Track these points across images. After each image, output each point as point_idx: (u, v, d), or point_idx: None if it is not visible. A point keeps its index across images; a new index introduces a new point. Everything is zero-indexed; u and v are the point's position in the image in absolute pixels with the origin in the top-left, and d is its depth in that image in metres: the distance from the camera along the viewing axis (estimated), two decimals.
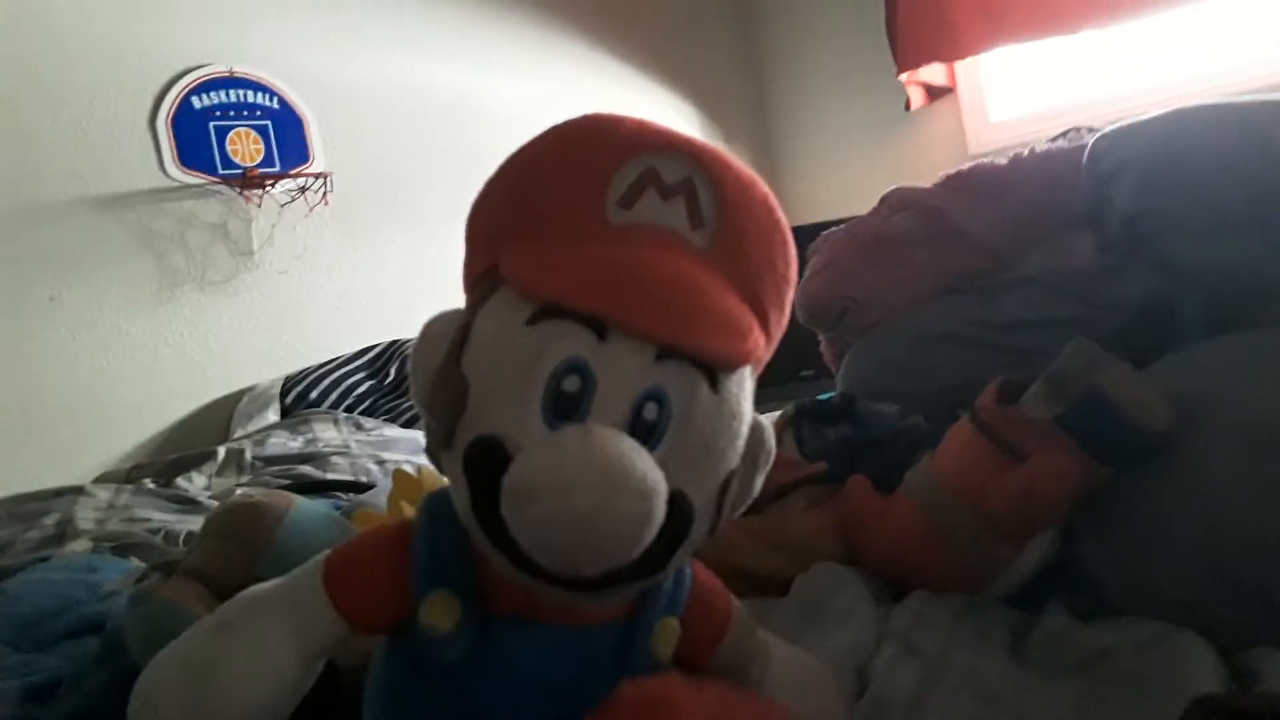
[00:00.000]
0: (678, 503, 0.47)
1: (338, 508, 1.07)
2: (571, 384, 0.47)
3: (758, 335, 0.52)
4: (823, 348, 1.37)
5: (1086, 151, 1.09)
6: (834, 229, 1.33)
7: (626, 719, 0.43)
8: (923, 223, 1.19)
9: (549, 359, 0.47)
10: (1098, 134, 1.09)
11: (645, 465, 0.45)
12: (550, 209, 0.51)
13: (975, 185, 1.18)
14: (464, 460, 0.48)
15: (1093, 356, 0.80)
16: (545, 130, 0.53)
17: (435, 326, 0.53)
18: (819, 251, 1.31)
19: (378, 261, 2.42)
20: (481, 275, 0.53)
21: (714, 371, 0.49)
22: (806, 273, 1.30)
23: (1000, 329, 1.07)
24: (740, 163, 0.54)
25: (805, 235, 1.43)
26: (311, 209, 2.27)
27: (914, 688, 0.70)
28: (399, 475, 0.82)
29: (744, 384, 0.52)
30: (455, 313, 0.53)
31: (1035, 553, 0.80)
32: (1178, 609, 0.72)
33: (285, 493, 0.83)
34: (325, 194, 2.27)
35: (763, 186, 0.55)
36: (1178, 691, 0.62)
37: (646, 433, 0.48)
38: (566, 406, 0.47)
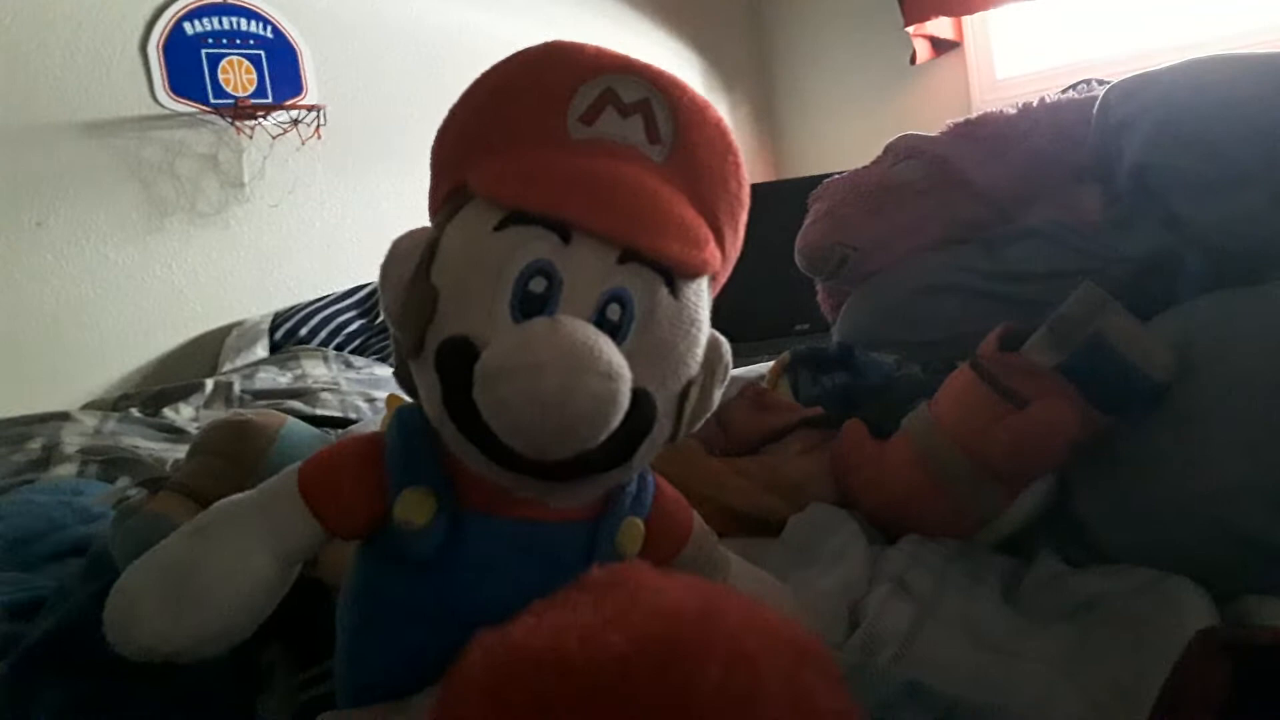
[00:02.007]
0: (641, 399, 0.50)
1: None
2: (538, 285, 0.50)
3: (714, 248, 0.55)
4: (820, 298, 1.36)
5: (1098, 102, 1.07)
6: (835, 177, 1.31)
7: (596, 594, 0.44)
8: (928, 171, 1.17)
9: (516, 261, 0.50)
10: (1110, 84, 1.08)
11: (610, 351, 0.47)
12: (515, 126, 0.54)
13: (983, 134, 1.16)
14: (435, 359, 0.50)
15: (1099, 303, 0.79)
16: (509, 55, 0.56)
17: (404, 242, 0.55)
18: (820, 199, 1.29)
19: (370, 199, 2.38)
20: (448, 195, 0.56)
21: (673, 277, 0.52)
22: (806, 220, 1.28)
23: (1003, 280, 1.06)
24: (694, 89, 0.57)
25: (805, 187, 1.42)
26: (304, 142, 2.23)
27: (906, 626, 0.70)
28: (392, 399, 0.82)
29: (702, 295, 0.56)
30: (423, 229, 0.56)
31: (1030, 500, 0.80)
32: (1172, 557, 0.72)
33: (277, 413, 0.82)
34: (318, 127, 2.23)
35: (715, 111, 0.57)
36: (1172, 635, 0.62)
37: (611, 332, 0.50)
38: (533, 306, 0.50)
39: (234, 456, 0.73)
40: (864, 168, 1.26)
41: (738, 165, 0.58)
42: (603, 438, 0.48)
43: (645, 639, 0.38)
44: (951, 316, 1.07)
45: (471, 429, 0.48)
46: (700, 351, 0.56)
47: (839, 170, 1.34)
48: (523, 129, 0.54)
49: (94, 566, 0.82)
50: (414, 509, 0.50)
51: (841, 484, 0.90)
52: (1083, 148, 1.10)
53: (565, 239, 0.50)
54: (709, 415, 0.59)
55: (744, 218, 0.60)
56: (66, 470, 1.31)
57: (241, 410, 1.26)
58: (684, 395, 0.55)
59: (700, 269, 0.54)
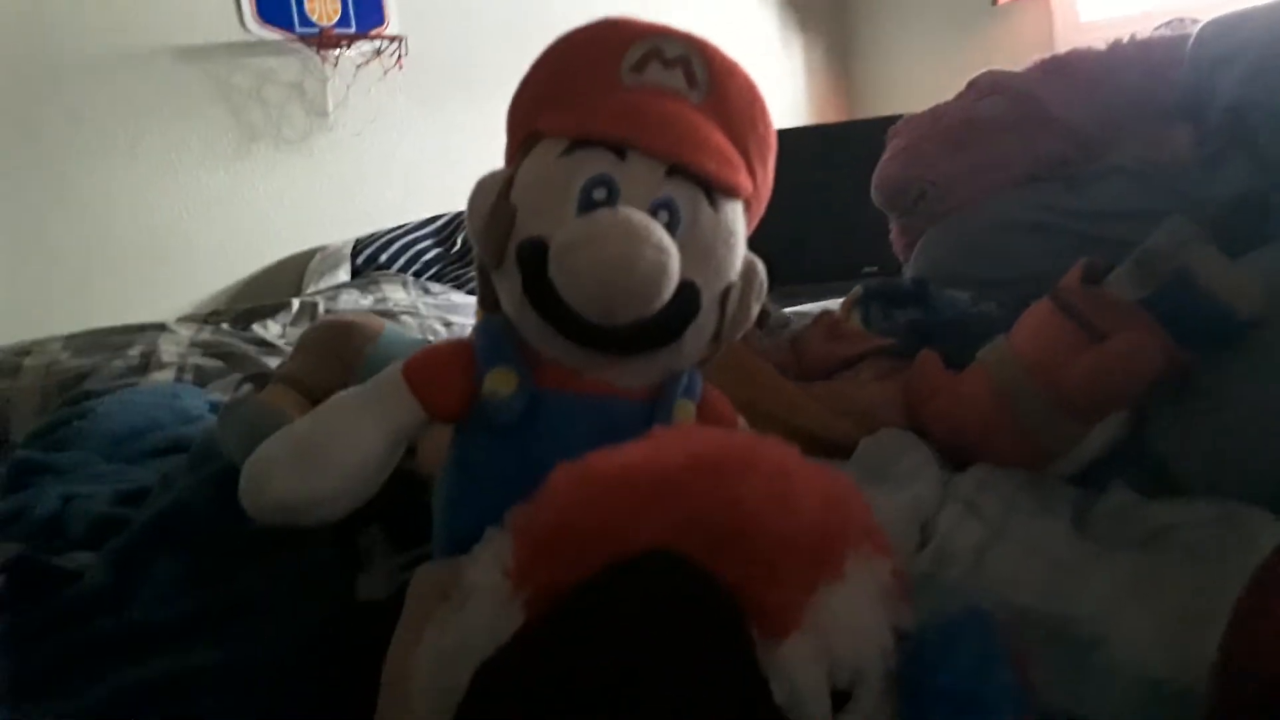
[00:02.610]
0: (688, 287, 0.59)
1: None
2: (599, 193, 0.59)
3: (745, 175, 0.65)
4: (893, 235, 1.36)
5: (1192, 37, 1.05)
6: (916, 113, 1.30)
7: (658, 437, 0.50)
8: (1013, 108, 1.16)
9: (581, 175, 0.59)
10: (1205, 20, 1.05)
11: (662, 231, 0.56)
12: (577, 78, 0.64)
13: (1072, 70, 1.14)
14: (516, 256, 0.60)
15: (1187, 237, 0.78)
16: (570, 29, 0.67)
17: (486, 178, 0.65)
18: (899, 134, 1.29)
19: (448, 130, 2.41)
20: (521, 143, 0.66)
21: (712, 192, 0.62)
22: (885, 155, 1.28)
23: (1086, 217, 1.05)
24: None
25: (879, 128, 1.41)
26: (386, 72, 2.26)
27: (976, 544, 0.71)
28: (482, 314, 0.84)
29: (738, 216, 0.65)
30: (502, 169, 0.66)
31: (1105, 433, 0.80)
32: (1248, 492, 0.71)
33: (377, 317, 0.86)
34: (400, 58, 2.25)
35: (743, 69, 0.67)
36: (1245, 561, 0.62)
37: None
38: (595, 209, 0.59)
39: (337, 353, 0.78)
40: (946, 103, 1.25)
41: (764, 111, 0.67)
42: (658, 304, 0.57)
43: (699, 457, 0.45)
44: (1032, 254, 1.06)
45: (548, 308, 0.58)
46: (738, 263, 0.65)
47: (915, 110, 1.33)
48: (584, 80, 0.64)
49: (199, 457, 0.87)
50: (500, 382, 0.59)
51: (914, 412, 0.91)
52: (1173, 86, 1.07)
53: (621, 156, 0.59)
54: (748, 325, 0.67)
55: (772, 159, 0.69)
56: (164, 376, 1.38)
57: (344, 312, 1.32)
58: (724, 300, 0.64)
59: (734, 186, 0.63)
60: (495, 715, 0.36)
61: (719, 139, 0.63)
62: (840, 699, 0.38)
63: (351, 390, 0.61)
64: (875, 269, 2.06)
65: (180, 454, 1.09)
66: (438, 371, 0.61)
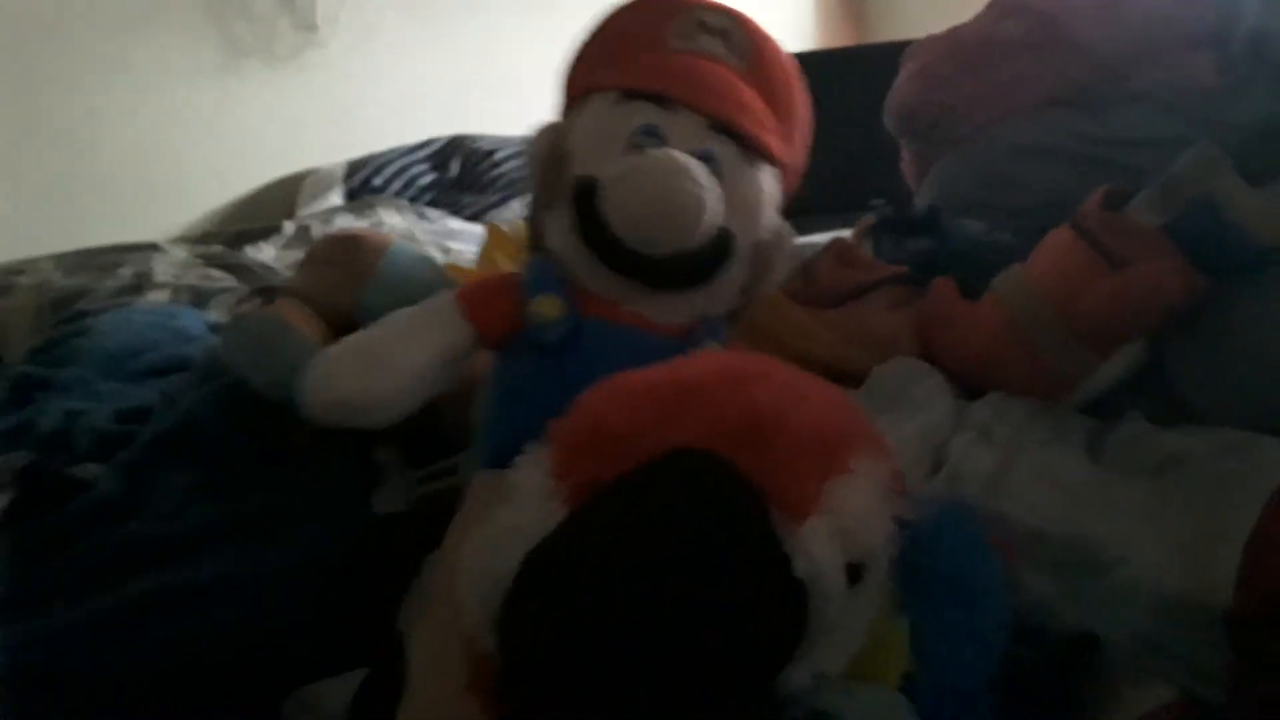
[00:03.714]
0: (722, 232, 0.66)
1: None
2: (646, 141, 0.66)
3: (780, 142, 0.71)
4: (905, 162, 1.33)
5: None
6: (933, 34, 1.27)
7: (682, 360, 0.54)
8: (1033, 29, 1.13)
9: (631, 124, 0.67)
10: None
11: (701, 169, 0.63)
12: (628, 42, 0.71)
13: None
14: (570, 193, 0.67)
15: (1212, 163, 0.77)
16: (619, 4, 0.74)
17: (544, 126, 0.73)
18: (914, 57, 1.26)
19: (444, 50, 2.34)
20: (575, 99, 0.73)
21: (749, 152, 0.69)
22: (899, 78, 1.25)
23: (1106, 144, 1.03)
24: None
25: (890, 53, 1.37)
26: None
27: (989, 470, 0.72)
28: (492, 229, 0.84)
29: (771, 179, 0.72)
30: (557, 120, 0.74)
31: (1121, 362, 0.80)
32: (1265, 423, 0.71)
33: (384, 233, 0.84)
34: None
35: (784, 50, 0.74)
36: (1260, 485, 0.62)
37: None
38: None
39: (346, 265, 0.77)
40: (965, 24, 1.22)
41: (800, 87, 0.75)
42: (696, 236, 0.64)
43: (719, 370, 0.49)
44: (1049, 181, 1.04)
45: (596, 239, 0.65)
46: (768, 221, 0.72)
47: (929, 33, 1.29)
48: (634, 43, 0.71)
49: (204, 373, 0.86)
50: (546, 306, 0.66)
51: (927, 341, 0.90)
52: (1198, 9, 1.05)
53: (668, 108, 0.67)
54: (777, 282, 0.77)
55: (806, 134, 0.76)
56: (159, 296, 1.37)
57: (351, 226, 1.30)
58: (755, 255, 0.71)
59: (769, 148, 0.69)
60: (544, 595, 0.39)
61: (758, 103, 0.69)
62: (853, 576, 0.43)
63: (407, 310, 0.68)
64: (884, 200, 2.03)
65: (179, 373, 1.08)
66: (489, 298, 0.68)
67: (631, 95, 0.67)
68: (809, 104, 0.75)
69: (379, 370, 0.63)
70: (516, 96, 2.46)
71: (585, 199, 0.65)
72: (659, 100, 0.66)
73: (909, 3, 3.10)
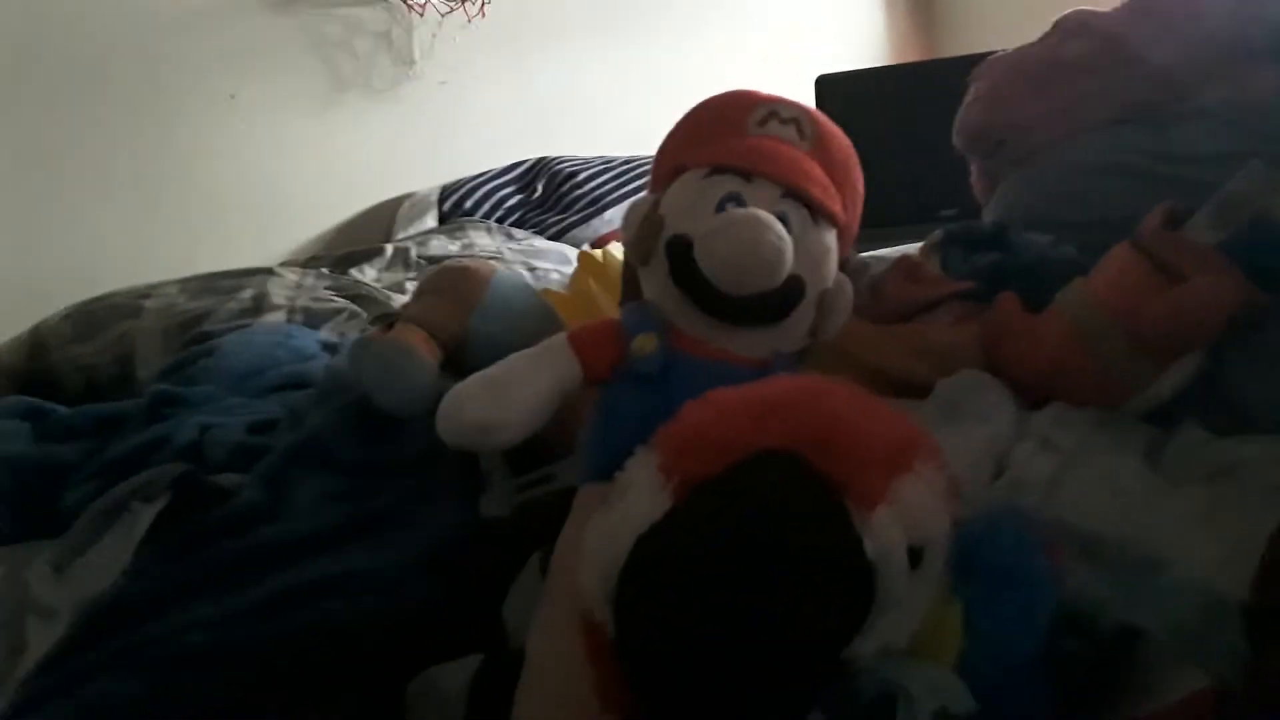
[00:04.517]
0: (795, 279, 0.76)
1: None
2: (732, 205, 0.76)
3: (842, 209, 0.82)
4: (974, 178, 1.37)
5: None
6: (999, 54, 1.30)
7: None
8: (1099, 50, 1.16)
9: (718, 192, 0.77)
10: None
11: (781, 226, 0.74)
12: (714, 127, 0.84)
13: (1161, 10, 1.13)
14: (665, 248, 0.78)
15: (1266, 181, 0.80)
16: (706, 97, 0.87)
17: (638, 199, 0.84)
18: (981, 78, 1.29)
19: (529, 78, 2.46)
20: (668, 174, 0.83)
21: (816, 215, 0.79)
22: (967, 98, 1.29)
23: (1169, 161, 1.05)
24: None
25: (961, 67, 1.40)
26: (470, 20, 2.31)
27: (1049, 476, 0.75)
28: (584, 256, 0.91)
29: (833, 239, 0.82)
30: (650, 194, 0.84)
31: (1180, 373, 0.82)
32: None
33: (489, 261, 0.93)
34: (483, 5, 2.30)
35: (843, 135, 0.86)
36: None
37: None
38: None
39: (457, 295, 0.86)
40: (1029, 44, 1.25)
41: (857, 165, 0.86)
42: (777, 280, 0.74)
43: (799, 387, 0.58)
44: (1113, 198, 1.07)
45: (689, 284, 0.76)
46: (830, 274, 0.82)
47: (999, 50, 1.32)
48: (719, 128, 0.83)
49: (327, 391, 0.95)
50: (645, 343, 0.76)
51: (992, 354, 0.93)
52: (1265, 25, 1.06)
53: (749, 180, 0.77)
54: (839, 326, 0.84)
55: (859, 205, 0.87)
56: (276, 318, 1.47)
57: (459, 258, 1.40)
58: (821, 302, 0.81)
59: (833, 213, 0.80)
60: (654, 573, 0.46)
61: (823, 177, 0.81)
62: (914, 560, 0.49)
63: (526, 351, 0.77)
64: (954, 212, 2.05)
65: (298, 389, 1.18)
66: (595, 339, 0.78)
67: (718, 170, 0.78)
68: (860, 177, 0.87)
69: (503, 400, 0.72)
70: (595, 121, 2.58)
71: (680, 253, 0.76)
72: (741, 174, 0.77)
73: (979, 17, 3.10)
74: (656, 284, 0.79)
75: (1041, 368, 0.88)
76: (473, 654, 0.69)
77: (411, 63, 2.27)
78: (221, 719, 0.63)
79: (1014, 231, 1.12)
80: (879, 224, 1.09)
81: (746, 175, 0.78)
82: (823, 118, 0.85)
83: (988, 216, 1.26)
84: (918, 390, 0.93)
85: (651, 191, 0.86)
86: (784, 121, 0.82)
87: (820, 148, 0.83)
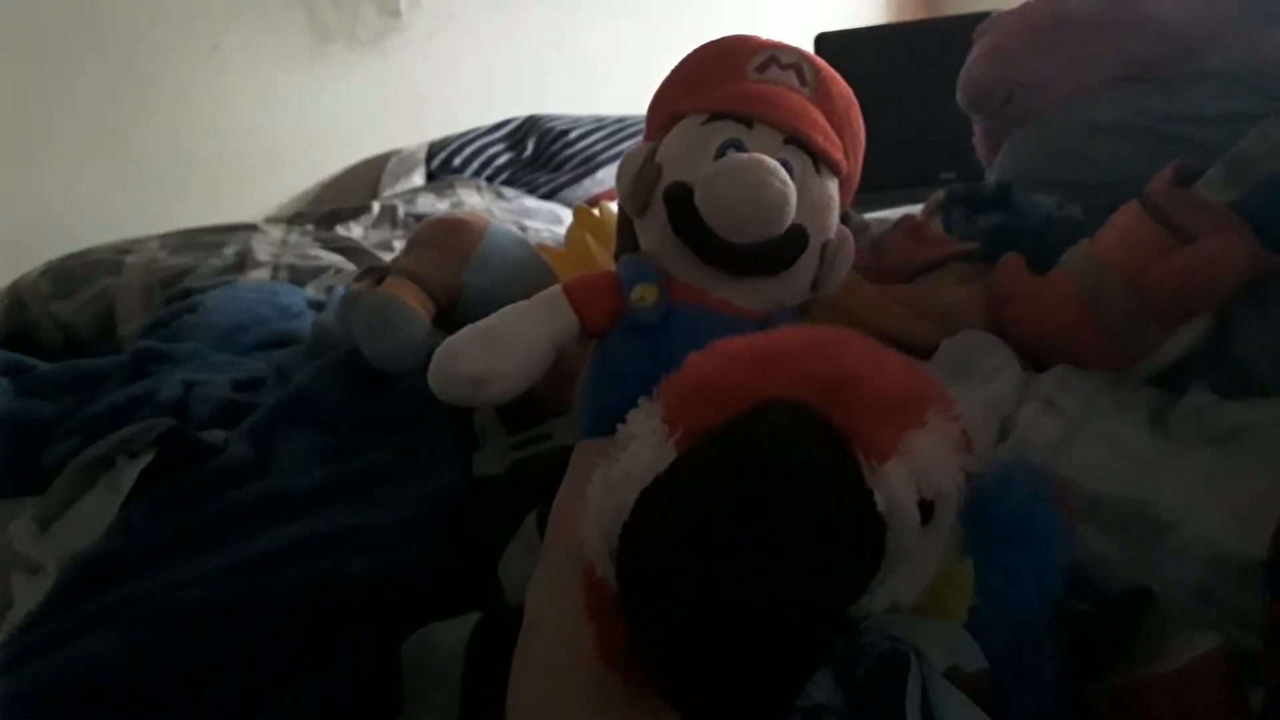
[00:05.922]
0: (797, 228, 0.74)
1: None
2: (732, 151, 0.73)
3: (844, 156, 0.80)
4: (977, 138, 1.35)
5: None
6: (1004, 10, 1.28)
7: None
8: (1106, 6, 1.14)
9: (718, 138, 0.75)
10: None
11: (784, 171, 0.71)
12: (713, 73, 0.81)
13: None
14: (664, 196, 0.75)
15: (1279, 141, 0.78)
16: (705, 42, 0.84)
17: (632, 149, 0.81)
18: (986, 33, 1.27)
19: (520, 34, 2.40)
20: (664, 122, 0.81)
21: (818, 161, 0.77)
22: (971, 55, 1.26)
23: (1178, 121, 1.04)
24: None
25: (962, 26, 1.38)
26: None
27: (1054, 438, 0.74)
28: (579, 210, 0.89)
29: (835, 187, 0.80)
30: (645, 143, 0.81)
31: (1188, 335, 0.81)
32: None
33: (482, 214, 0.90)
34: None
35: (844, 82, 0.83)
36: None
37: None
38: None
39: (450, 248, 0.83)
40: (1035, 1, 1.23)
41: (857, 113, 0.84)
42: (779, 227, 0.71)
43: (807, 336, 0.55)
44: (1122, 158, 1.05)
45: (688, 232, 0.73)
46: (833, 224, 0.80)
47: (1000, 8, 1.30)
48: (718, 74, 0.80)
49: (314, 347, 0.93)
50: (644, 293, 0.74)
51: (996, 315, 0.92)
52: None
53: (749, 126, 0.75)
54: (840, 280, 0.82)
55: (861, 152, 0.85)
56: (260, 274, 1.45)
57: (452, 210, 1.37)
58: (823, 253, 0.79)
59: (835, 161, 0.78)
60: (658, 526, 0.44)
61: (825, 123, 0.78)
62: (925, 514, 0.48)
63: (521, 302, 0.75)
64: (954, 175, 2.03)
65: (284, 347, 1.16)
66: (592, 291, 0.75)
67: (717, 116, 0.76)
68: (862, 125, 0.84)
69: (498, 352, 0.70)
70: (589, 78, 2.53)
71: (679, 200, 0.73)
72: (742, 120, 0.75)
73: None
74: (654, 234, 0.77)
75: (1047, 330, 0.87)
76: (466, 613, 0.67)
77: (398, 14, 2.22)
78: (210, 677, 0.61)
79: (1019, 192, 1.11)
80: (877, 187, 1.07)
81: (747, 121, 0.75)
82: (823, 64, 0.82)
83: (991, 176, 1.24)
84: (920, 351, 0.91)
85: (647, 140, 0.83)
86: (784, 67, 0.79)
87: (822, 94, 0.80)
